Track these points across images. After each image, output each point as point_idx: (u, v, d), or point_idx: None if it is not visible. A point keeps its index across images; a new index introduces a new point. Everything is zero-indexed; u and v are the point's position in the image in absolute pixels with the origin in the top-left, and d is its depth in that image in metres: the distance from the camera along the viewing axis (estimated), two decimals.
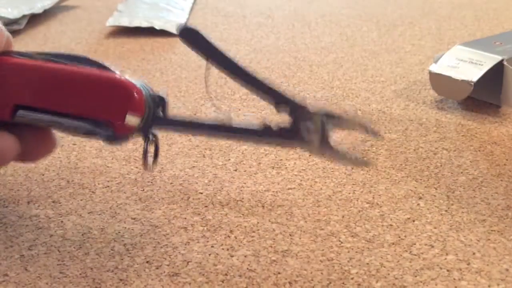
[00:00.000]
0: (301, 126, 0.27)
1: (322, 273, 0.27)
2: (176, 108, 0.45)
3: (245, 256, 0.28)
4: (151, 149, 0.29)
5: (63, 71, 0.27)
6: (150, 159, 0.29)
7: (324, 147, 0.27)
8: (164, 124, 0.28)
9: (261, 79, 0.27)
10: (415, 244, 0.29)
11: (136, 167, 0.36)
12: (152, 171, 0.35)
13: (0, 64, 0.28)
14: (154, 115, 0.27)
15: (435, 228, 0.30)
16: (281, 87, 0.27)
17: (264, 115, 0.27)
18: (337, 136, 0.27)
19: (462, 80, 0.42)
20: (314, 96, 0.47)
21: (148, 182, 0.35)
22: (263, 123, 0.27)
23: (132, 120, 0.26)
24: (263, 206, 0.32)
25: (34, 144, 0.29)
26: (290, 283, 0.27)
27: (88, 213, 0.32)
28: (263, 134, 0.27)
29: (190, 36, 0.27)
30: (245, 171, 0.36)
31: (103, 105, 0.27)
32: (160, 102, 0.28)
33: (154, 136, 0.28)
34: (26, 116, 0.28)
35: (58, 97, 0.27)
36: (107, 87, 0.27)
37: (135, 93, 0.26)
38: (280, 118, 0.27)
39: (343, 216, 0.31)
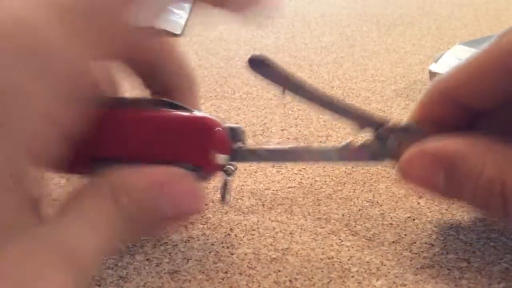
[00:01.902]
0: (387, 142, 0.27)
1: (322, 271, 0.27)
2: None
3: (245, 254, 0.28)
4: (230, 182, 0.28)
5: (140, 116, 0.26)
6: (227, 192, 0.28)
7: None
8: (244, 157, 0.27)
9: (337, 101, 0.27)
10: (415, 242, 0.29)
11: None
12: (229, 205, 0.33)
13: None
14: (234, 148, 0.27)
15: (435, 226, 0.30)
16: (359, 106, 0.27)
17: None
18: None
19: None
20: None
21: None
22: (346, 143, 0.27)
23: (222, 159, 0.26)
24: (263, 205, 0.32)
25: None
26: (290, 281, 0.27)
27: None
28: (345, 153, 0.27)
29: (260, 66, 0.26)
30: (245, 169, 0.36)
31: (189, 147, 0.25)
32: (239, 134, 0.27)
33: (235, 168, 0.27)
34: (107, 167, 0.25)
35: (139, 144, 0.26)
36: (190, 129, 0.26)
37: (221, 133, 0.26)
38: (362, 137, 0.28)
39: (343, 215, 0.31)
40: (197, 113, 0.26)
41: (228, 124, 0.27)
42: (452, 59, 0.45)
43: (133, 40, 0.23)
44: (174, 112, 0.26)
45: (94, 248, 0.21)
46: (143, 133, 0.25)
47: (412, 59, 0.56)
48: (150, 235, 0.25)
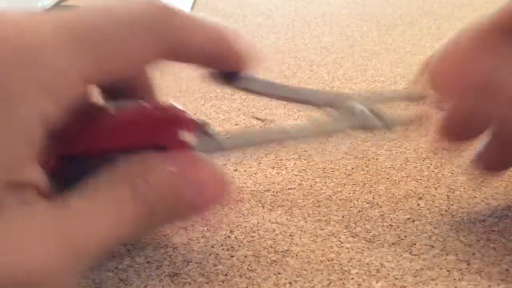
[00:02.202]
0: (346, 110, 0.27)
1: (322, 273, 0.27)
2: None
3: (245, 256, 0.29)
4: None
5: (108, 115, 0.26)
6: None
7: (380, 123, 0.27)
8: (213, 147, 0.27)
9: (299, 89, 0.27)
10: (415, 244, 0.29)
11: None
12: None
13: None
14: (202, 140, 0.26)
15: (435, 228, 0.30)
16: (315, 87, 0.27)
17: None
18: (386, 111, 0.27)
19: None
20: None
21: None
22: (310, 119, 0.27)
23: (189, 138, 0.26)
24: (263, 206, 0.32)
25: None
26: (290, 283, 0.27)
27: None
28: (314, 129, 0.27)
29: (224, 78, 0.27)
30: (245, 171, 0.36)
31: (155, 130, 0.26)
32: (205, 127, 0.27)
33: None
34: (73, 166, 0.25)
35: (105, 136, 0.26)
36: (157, 113, 0.26)
37: (184, 114, 0.26)
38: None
39: (343, 216, 0.31)
40: (162, 103, 0.27)
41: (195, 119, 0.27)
42: None
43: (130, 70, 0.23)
44: (138, 104, 0.26)
45: (99, 234, 0.21)
46: (109, 125, 0.26)
47: (412, 59, 0.56)
48: (173, 222, 0.25)
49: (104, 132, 0.26)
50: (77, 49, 0.21)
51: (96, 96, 0.28)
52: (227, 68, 0.26)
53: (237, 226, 0.31)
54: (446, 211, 0.32)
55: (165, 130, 0.25)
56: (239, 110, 0.45)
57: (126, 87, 0.28)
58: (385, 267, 0.28)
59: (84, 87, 0.22)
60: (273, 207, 0.32)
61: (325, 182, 0.35)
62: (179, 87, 0.49)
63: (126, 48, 0.22)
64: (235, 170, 0.36)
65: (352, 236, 0.30)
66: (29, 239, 0.20)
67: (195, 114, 0.44)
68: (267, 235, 0.30)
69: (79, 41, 0.21)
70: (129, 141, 0.25)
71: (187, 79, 0.51)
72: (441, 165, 0.37)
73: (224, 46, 0.25)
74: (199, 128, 0.26)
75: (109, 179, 0.23)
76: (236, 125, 0.42)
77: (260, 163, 0.37)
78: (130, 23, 0.22)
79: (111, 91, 0.28)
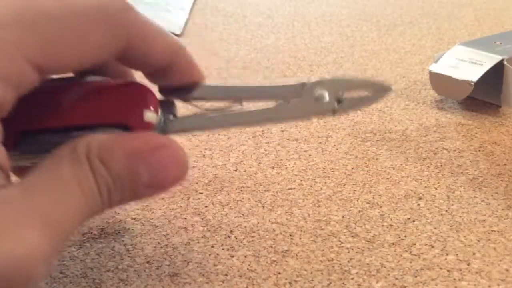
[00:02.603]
0: (312, 96, 0.27)
1: (322, 273, 0.27)
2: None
3: (245, 256, 0.29)
4: None
5: (69, 87, 0.26)
6: None
7: (342, 106, 0.27)
8: (177, 127, 0.27)
9: (253, 85, 0.27)
10: (415, 244, 0.29)
11: None
12: None
13: None
14: (166, 120, 0.26)
15: (435, 228, 0.30)
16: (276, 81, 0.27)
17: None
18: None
19: (462, 80, 0.42)
20: None
21: None
22: (277, 103, 0.27)
23: (150, 117, 0.25)
24: (263, 206, 0.32)
25: None
26: (290, 283, 0.27)
27: None
28: (279, 112, 0.27)
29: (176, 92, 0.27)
30: (245, 171, 0.36)
31: (117, 109, 0.25)
32: (169, 106, 0.27)
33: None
34: (34, 142, 0.25)
35: (68, 113, 0.25)
36: (119, 91, 0.26)
37: (149, 92, 0.26)
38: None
39: (343, 216, 0.31)
40: (127, 80, 0.26)
41: (160, 98, 0.26)
42: (452, 59, 0.45)
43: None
44: (102, 79, 0.26)
45: (68, 211, 0.21)
46: (71, 101, 0.25)
47: (412, 59, 0.56)
48: (131, 201, 0.25)
49: (65, 108, 0.25)
50: (19, 28, 0.20)
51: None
52: (180, 79, 0.26)
53: (237, 226, 0.31)
54: (446, 211, 0.32)
55: (129, 110, 0.25)
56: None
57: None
58: (385, 267, 0.28)
59: (35, 74, 0.21)
60: (273, 207, 0.32)
61: (325, 182, 0.35)
62: None
63: (77, 37, 0.21)
64: (235, 170, 0.36)
65: (352, 236, 0.30)
66: (8, 225, 0.19)
67: (194, 114, 0.44)
68: (267, 235, 0.30)
69: (25, 24, 0.20)
70: (91, 119, 0.25)
71: None
72: (441, 165, 0.37)
73: (183, 56, 0.25)
74: (164, 107, 0.26)
75: (69, 156, 0.22)
76: None
77: (260, 163, 0.37)
78: (84, 13, 0.21)
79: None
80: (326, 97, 0.27)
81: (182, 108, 0.27)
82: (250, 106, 0.27)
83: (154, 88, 0.26)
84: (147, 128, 0.25)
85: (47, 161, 0.22)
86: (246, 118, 0.27)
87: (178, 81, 0.26)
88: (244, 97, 0.27)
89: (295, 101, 0.27)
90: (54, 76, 0.27)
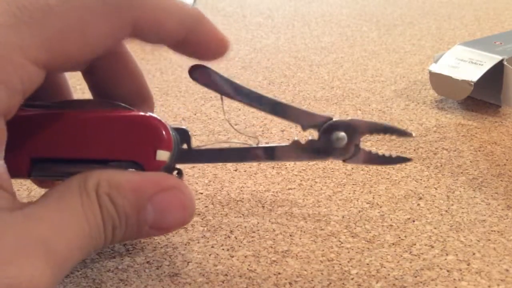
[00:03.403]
0: (331, 137, 0.27)
1: (322, 274, 0.27)
2: (176, 108, 0.45)
3: (245, 257, 0.29)
4: None
5: (82, 116, 0.26)
6: None
7: (358, 154, 0.27)
8: (190, 157, 0.27)
9: (280, 103, 0.27)
10: (415, 244, 0.29)
11: None
12: None
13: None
14: (179, 149, 0.26)
15: (435, 228, 0.30)
16: (301, 106, 0.27)
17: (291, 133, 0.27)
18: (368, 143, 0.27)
19: (462, 80, 0.42)
20: (314, 96, 0.47)
21: None
22: (293, 140, 0.27)
23: (162, 156, 0.25)
24: (263, 206, 0.32)
25: None
26: (290, 283, 0.27)
27: None
28: (294, 152, 0.27)
29: (201, 75, 0.26)
30: (245, 171, 0.36)
31: (130, 145, 0.25)
32: (183, 135, 0.27)
33: (178, 171, 0.27)
34: (46, 169, 0.25)
35: (80, 143, 0.25)
36: (132, 126, 0.25)
37: (162, 130, 0.25)
38: (307, 134, 0.27)
39: (343, 216, 0.31)
40: (140, 112, 0.26)
41: (173, 125, 0.26)
42: (452, 59, 0.45)
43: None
44: (116, 111, 0.26)
45: (72, 241, 0.21)
46: (84, 132, 0.25)
47: (412, 59, 0.56)
48: (133, 239, 0.25)
49: (80, 139, 0.25)
50: (20, 27, 0.19)
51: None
52: (203, 55, 0.25)
53: (237, 226, 0.31)
54: (446, 211, 0.32)
55: (141, 148, 0.25)
56: (239, 110, 0.45)
57: (111, 78, 0.28)
58: (385, 267, 0.28)
59: (40, 72, 0.20)
60: (273, 207, 0.32)
61: (325, 182, 0.35)
62: (179, 87, 0.49)
63: (81, 25, 0.20)
64: (235, 170, 0.36)
65: (352, 236, 0.30)
66: (10, 251, 0.19)
67: (195, 114, 0.44)
68: (267, 235, 0.30)
69: (25, 22, 0.19)
70: (104, 154, 0.25)
71: (187, 79, 0.51)
72: (441, 165, 0.37)
73: (200, 30, 0.24)
74: (179, 136, 0.26)
75: (78, 188, 0.22)
76: (236, 124, 0.42)
77: (260, 163, 0.37)
78: (84, 4, 0.20)
79: (98, 84, 0.28)
80: (345, 142, 0.27)
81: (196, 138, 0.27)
82: (264, 142, 0.27)
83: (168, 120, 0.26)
84: (159, 166, 0.25)
85: (55, 190, 0.22)
86: (261, 153, 0.27)
87: (203, 50, 0.25)
88: (266, 108, 0.27)
89: (312, 142, 0.27)
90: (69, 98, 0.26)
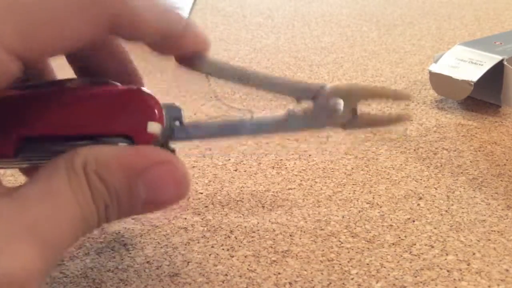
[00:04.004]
0: (327, 104, 0.26)
1: (322, 274, 0.27)
2: None
3: (245, 257, 0.29)
4: None
5: (70, 92, 0.25)
6: None
7: (355, 121, 0.26)
8: (182, 135, 0.26)
9: (267, 76, 0.26)
10: (415, 244, 0.29)
11: None
12: None
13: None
14: (171, 127, 0.26)
15: (435, 228, 0.30)
16: (291, 77, 0.26)
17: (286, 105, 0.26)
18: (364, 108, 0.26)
19: (462, 80, 0.42)
20: None
21: None
22: (287, 112, 0.26)
23: (154, 127, 0.24)
24: (263, 206, 0.32)
25: None
26: (290, 283, 0.27)
27: None
28: (290, 123, 0.26)
29: (188, 59, 0.26)
30: (245, 171, 0.36)
31: (120, 118, 0.25)
32: (175, 112, 0.26)
33: (172, 151, 0.26)
34: (35, 149, 0.24)
35: (69, 120, 0.25)
36: (122, 99, 0.25)
37: (153, 102, 0.25)
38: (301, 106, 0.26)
39: (343, 217, 0.31)
40: (130, 86, 0.25)
41: (166, 102, 0.26)
42: (452, 59, 0.45)
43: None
44: (105, 86, 0.25)
45: (63, 225, 0.20)
46: (73, 109, 0.25)
47: (412, 59, 0.56)
48: (129, 217, 0.24)
49: (68, 116, 0.24)
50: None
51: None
52: (181, 58, 0.25)
53: (237, 226, 0.31)
54: (446, 211, 0.32)
55: (132, 121, 0.24)
56: (239, 110, 0.45)
57: (100, 66, 0.27)
58: (385, 267, 0.28)
59: (15, 63, 0.20)
60: (273, 207, 0.32)
61: (325, 182, 0.35)
62: (179, 87, 0.49)
63: (56, 19, 0.20)
64: (235, 170, 0.36)
65: (352, 236, 0.30)
66: (0, 239, 0.19)
67: (195, 114, 0.44)
68: (267, 235, 0.30)
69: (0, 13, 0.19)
70: (94, 128, 0.24)
71: (187, 79, 0.51)
72: (441, 165, 0.37)
73: (179, 26, 0.23)
74: (170, 113, 0.25)
75: (65, 168, 0.21)
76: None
77: (260, 163, 0.37)
78: None
79: (84, 69, 0.27)
80: (341, 107, 0.26)
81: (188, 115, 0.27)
82: (259, 116, 0.27)
83: (158, 95, 0.26)
84: (151, 139, 0.24)
85: (41, 172, 0.21)
86: (255, 127, 0.26)
87: (183, 51, 0.25)
88: (255, 84, 0.26)
89: (307, 111, 0.26)
90: (58, 78, 0.26)
